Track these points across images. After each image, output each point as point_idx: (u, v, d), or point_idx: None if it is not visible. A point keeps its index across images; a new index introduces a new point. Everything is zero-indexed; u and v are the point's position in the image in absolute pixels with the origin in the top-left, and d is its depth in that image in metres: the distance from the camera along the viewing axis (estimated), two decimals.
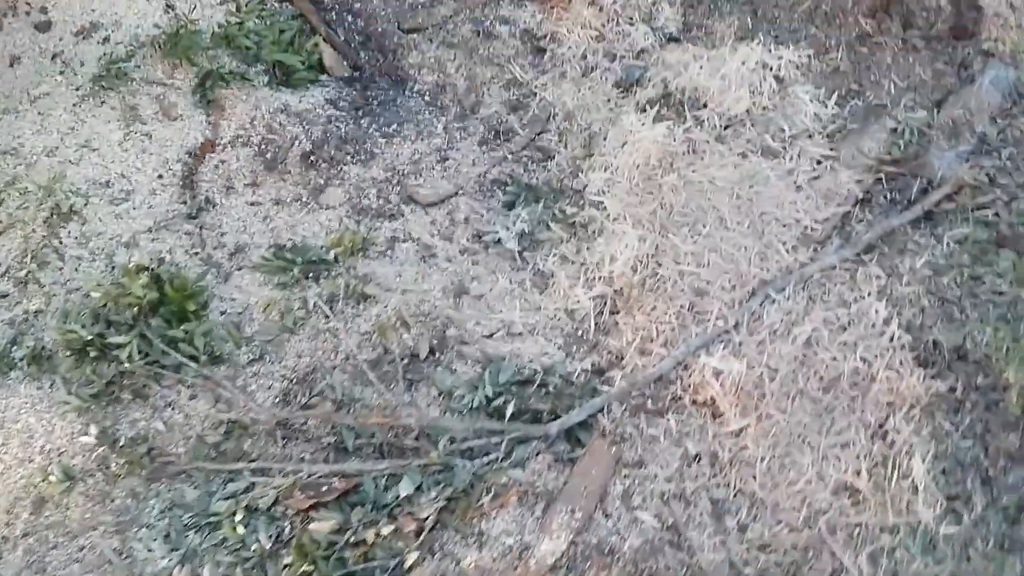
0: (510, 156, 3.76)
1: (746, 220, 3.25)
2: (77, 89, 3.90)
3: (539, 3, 4.10)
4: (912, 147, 3.35)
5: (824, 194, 3.30)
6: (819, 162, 3.39)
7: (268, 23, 4.14)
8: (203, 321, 3.31)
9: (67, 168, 3.71)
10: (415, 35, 4.14)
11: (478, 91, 3.95)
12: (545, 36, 4.03)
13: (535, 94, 3.90)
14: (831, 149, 3.42)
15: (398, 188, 3.72)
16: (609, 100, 3.79)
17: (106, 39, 4.00)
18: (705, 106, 3.60)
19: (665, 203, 3.35)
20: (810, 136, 3.47)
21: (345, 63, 4.11)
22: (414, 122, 3.89)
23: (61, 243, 3.58)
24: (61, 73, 3.95)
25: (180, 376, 3.18)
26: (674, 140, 3.50)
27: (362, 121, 3.91)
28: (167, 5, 4.11)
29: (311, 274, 3.46)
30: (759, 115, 3.56)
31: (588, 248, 3.37)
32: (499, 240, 3.48)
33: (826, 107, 3.55)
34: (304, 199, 3.71)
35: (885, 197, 3.30)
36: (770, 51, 3.70)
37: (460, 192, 3.69)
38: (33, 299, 3.45)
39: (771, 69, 3.65)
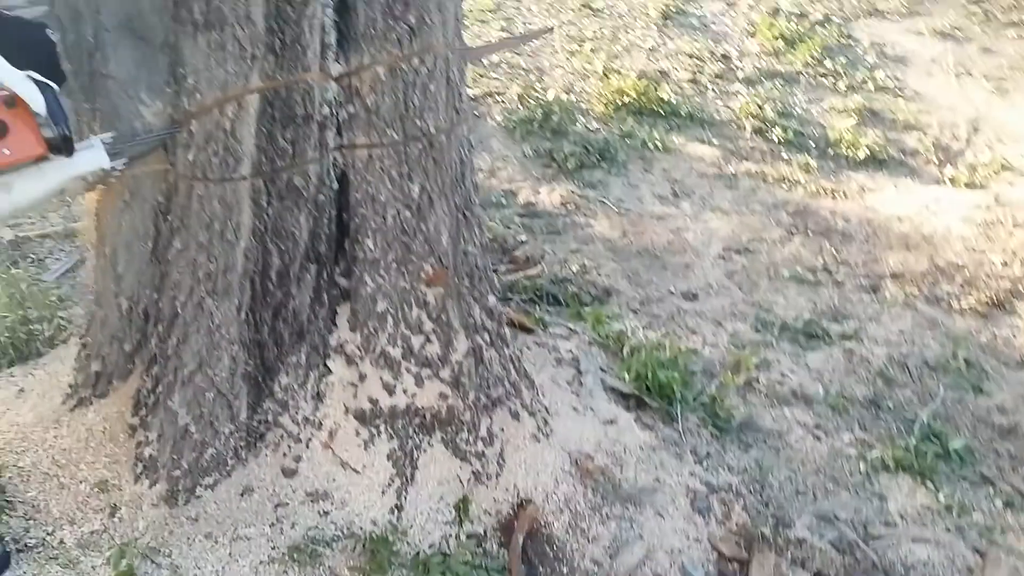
0: None
1: None
2: (273, 548, 3.89)
3: None
4: None
5: None
6: None
7: (475, 564, 3.92)
8: None
9: None
10: None
11: None
12: None
13: None
14: None
15: None
16: None
17: (326, 513, 4.02)
18: None
19: None
20: None
21: None
22: None
23: None
24: (271, 525, 3.98)
25: None
26: None
27: None
28: (397, 504, 4.09)
29: None
30: None
31: None
32: None
33: None
34: None
35: None
36: None
37: None
38: None
39: None
